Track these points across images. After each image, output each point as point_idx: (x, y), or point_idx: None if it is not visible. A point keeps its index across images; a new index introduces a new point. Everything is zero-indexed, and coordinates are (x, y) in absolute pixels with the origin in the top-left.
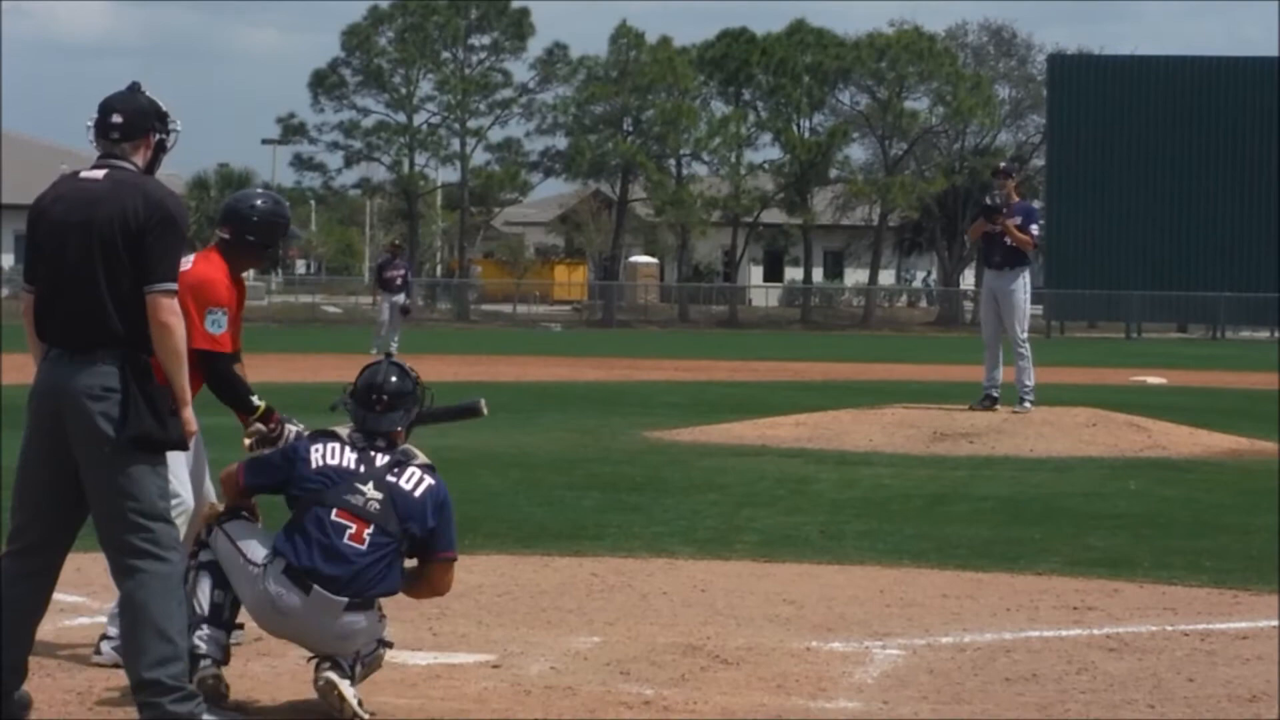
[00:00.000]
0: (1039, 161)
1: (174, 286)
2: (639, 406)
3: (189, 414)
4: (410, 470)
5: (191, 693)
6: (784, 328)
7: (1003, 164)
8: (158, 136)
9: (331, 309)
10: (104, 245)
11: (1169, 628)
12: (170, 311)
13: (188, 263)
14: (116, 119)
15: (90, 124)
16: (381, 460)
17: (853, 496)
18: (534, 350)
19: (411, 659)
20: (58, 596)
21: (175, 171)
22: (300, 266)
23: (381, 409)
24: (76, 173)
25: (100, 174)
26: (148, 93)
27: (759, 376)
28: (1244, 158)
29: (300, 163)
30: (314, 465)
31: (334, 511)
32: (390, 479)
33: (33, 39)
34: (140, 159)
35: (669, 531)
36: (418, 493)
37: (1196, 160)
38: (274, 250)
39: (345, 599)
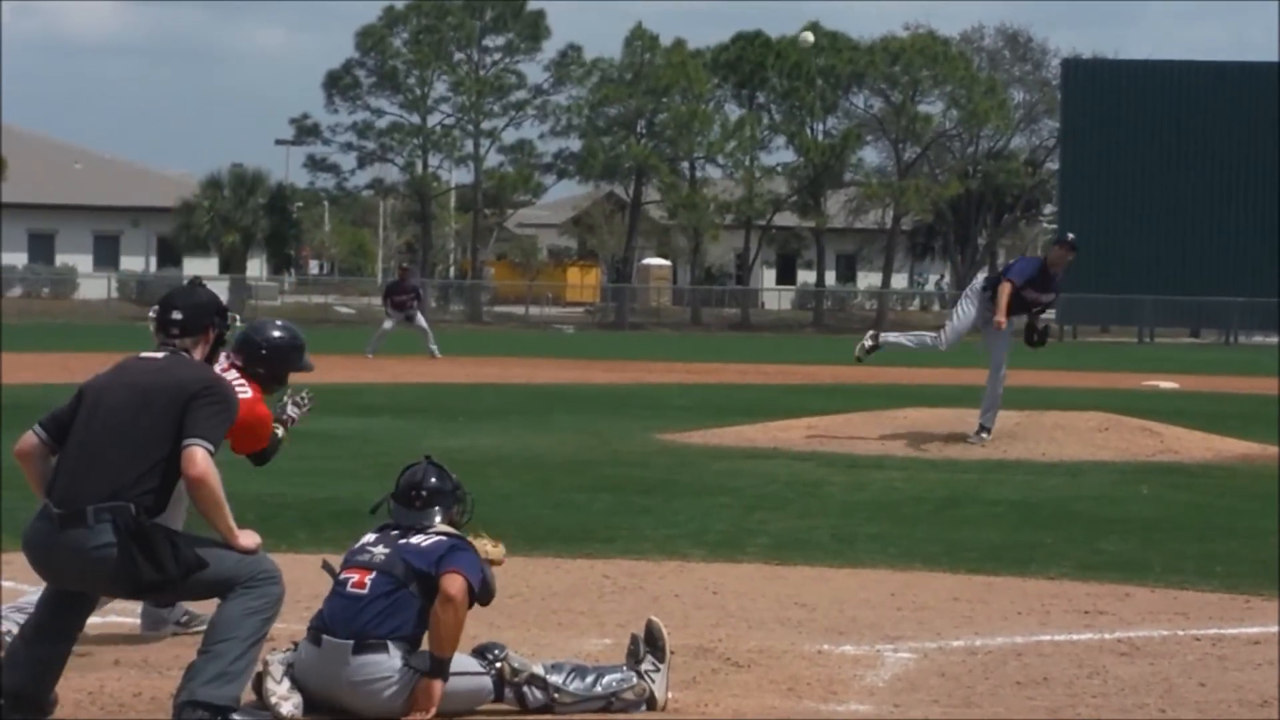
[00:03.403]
0: (1053, 166)
1: (212, 448)
2: (651, 409)
3: (242, 541)
4: (422, 535)
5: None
6: (796, 331)
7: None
8: (215, 331)
9: (344, 310)
10: (159, 412)
11: (1180, 632)
12: (204, 465)
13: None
14: (176, 315)
15: (152, 316)
16: (398, 534)
17: (864, 500)
18: (546, 352)
19: None
20: None
21: (188, 170)
22: (313, 267)
23: (420, 505)
24: (138, 354)
25: (161, 355)
26: (207, 286)
27: (771, 379)
28: (1257, 163)
29: (314, 163)
30: (347, 551)
31: (342, 572)
32: (401, 541)
33: (44, 38)
34: (199, 353)
35: (680, 534)
36: (426, 544)
37: (1210, 165)
38: (283, 380)
39: (350, 641)
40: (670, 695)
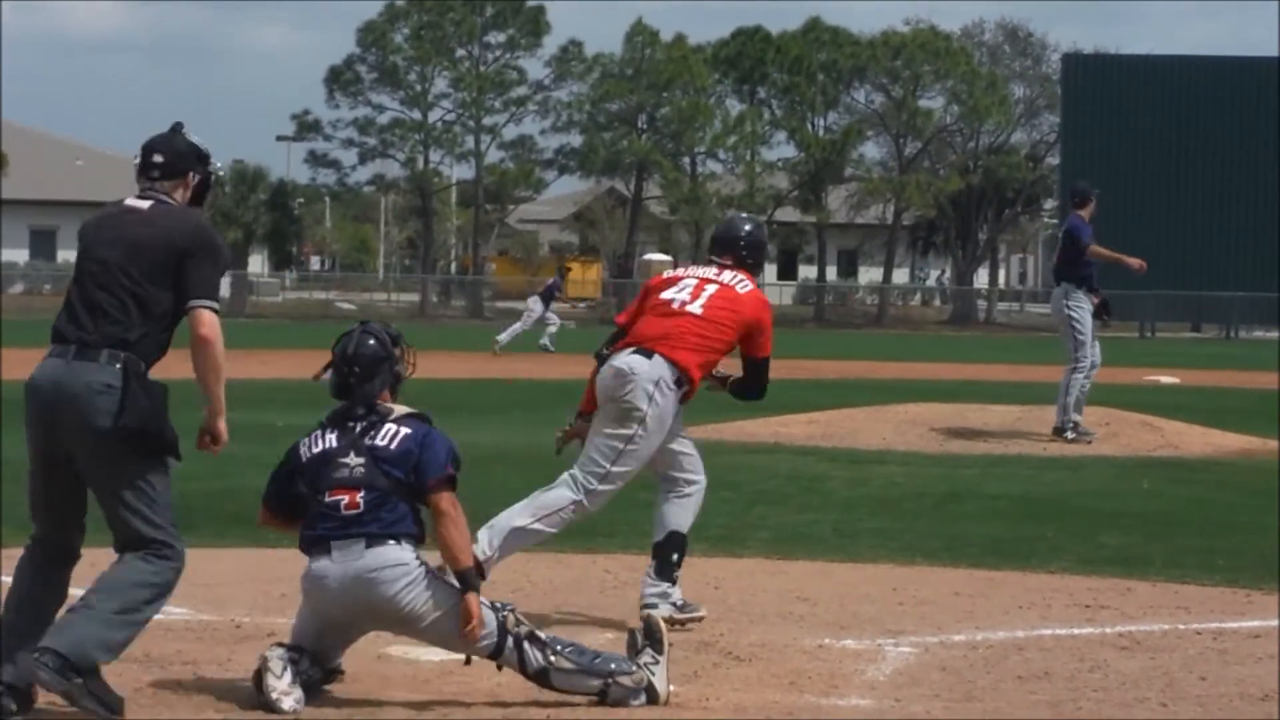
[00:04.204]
0: (1054, 160)
1: (215, 304)
2: None
3: (222, 425)
4: (385, 427)
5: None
6: (797, 326)
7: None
8: (196, 177)
9: (345, 305)
10: (150, 263)
11: (1181, 626)
12: (211, 326)
13: None
14: (157, 159)
15: (134, 161)
16: (359, 428)
17: (865, 494)
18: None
19: (424, 656)
20: (69, 591)
21: None
22: (315, 263)
23: (356, 380)
24: (121, 200)
25: (146, 204)
26: (188, 134)
27: (772, 374)
28: (1258, 157)
29: (315, 159)
30: (304, 459)
31: (327, 494)
32: (368, 442)
33: (45, 34)
34: (179, 196)
35: None
36: (395, 445)
37: (1211, 159)
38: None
39: (361, 539)
40: (671, 689)
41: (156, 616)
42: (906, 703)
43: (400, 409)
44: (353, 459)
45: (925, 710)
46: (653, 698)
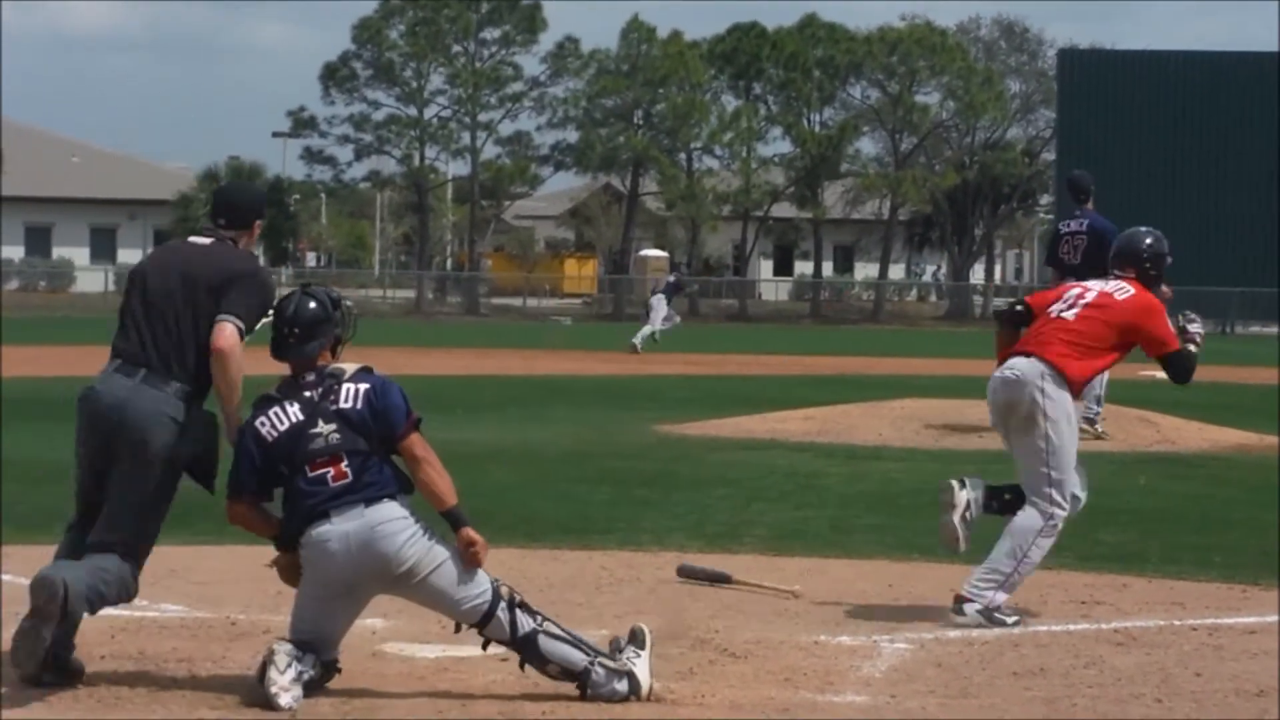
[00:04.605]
0: (1049, 156)
1: (241, 323)
2: (649, 400)
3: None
4: (343, 389)
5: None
6: (794, 322)
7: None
8: (261, 223)
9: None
10: (205, 289)
11: (1177, 622)
12: (229, 339)
13: None
14: (226, 209)
15: (206, 208)
16: (316, 393)
17: (862, 491)
18: (544, 344)
19: (420, 652)
20: None
21: (185, 164)
22: (311, 259)
23: (296, 340)
24: (187, 238)
25: (208, 241)
26: (257, 186)
27: (769, 370)
28: (1254, 152)
29: (310, 156)
30: (270, 439)
31: (308, 469)
32: (331, 407)
33: (41, 32)
34: (244, 245)
35: (678, 525)
36: (358, 404)
37: (1207, 155)
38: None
39: (359, 501)
40: (655, 684)
41: (151, 614)
42: (902, 699)
43: (349, 366)
44: (323, 426)
45: (921, 706)
46: (634, 686)
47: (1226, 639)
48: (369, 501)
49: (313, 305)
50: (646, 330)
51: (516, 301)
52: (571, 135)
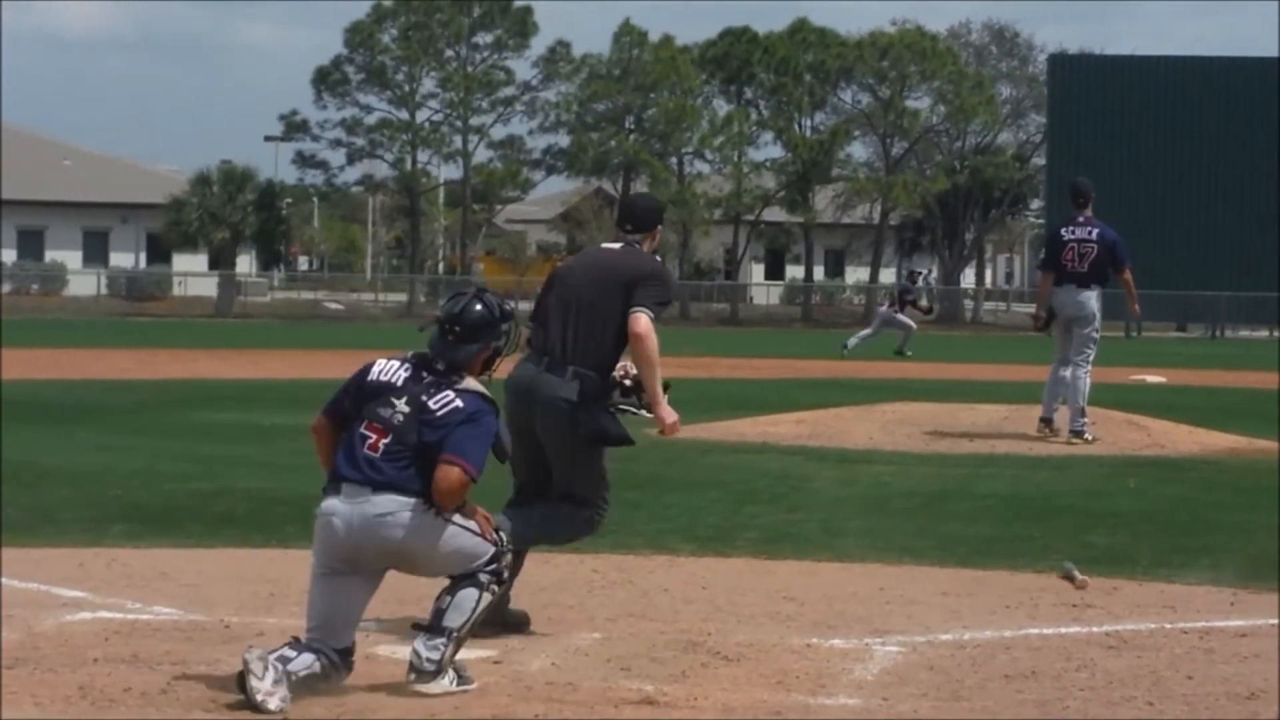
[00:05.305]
0: (1040, 161)
1: (652, 312)
2: None
3: (661, 411)
4: (445, 392)
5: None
6: (785, 325)
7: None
8: (660, 228)
9: (333, 305)
10: (615, 287)
11: (1168, 625)
12: (645, 326)
13: None
14: (631, 216)
15: (614, 215)
16: (427, 379)
17: (853, 494)
18: None
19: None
20: (58, 592)
21: (177, 167)
22: (302, 263)
23: (454, 339)
24: (600, 245)
25: (618, 246)
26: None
27: (760, 374)
28: (1244, 157)
29: (302, 160)
30: (370, 378)
31: (364, 424)
32: (423, 397)
33: (35, 34)
34: (648, 246)
35: (670, 528)
36: (441, 411)
37: (1197, 160)
38: None
39: (368, 486)
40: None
41: (145, 616)
42: (894, 702)
43: (473, 383)
44: (402, 405)
45: (912, 709)
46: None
47: (1218, 642)
48: (377, 488)
49: (479, 308)
50: (867, 333)
51: (508, 305)
52: (563, 139)
